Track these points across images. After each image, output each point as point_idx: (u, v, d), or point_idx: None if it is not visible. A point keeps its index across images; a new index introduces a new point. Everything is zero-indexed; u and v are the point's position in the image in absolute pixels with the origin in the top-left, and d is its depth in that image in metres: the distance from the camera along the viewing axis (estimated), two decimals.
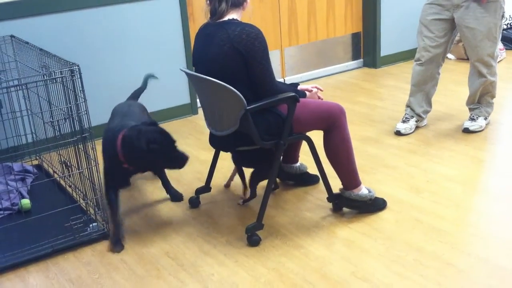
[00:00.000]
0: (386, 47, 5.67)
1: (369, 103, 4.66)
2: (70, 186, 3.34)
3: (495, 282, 2.35)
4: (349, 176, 2.88)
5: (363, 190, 2.91)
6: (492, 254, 2.54)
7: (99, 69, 4.20)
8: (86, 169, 2.91)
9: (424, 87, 3.94)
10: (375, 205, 2.95)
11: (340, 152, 2.83)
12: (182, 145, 4.01)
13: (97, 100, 4.19)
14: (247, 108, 2.60)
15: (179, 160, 2.84)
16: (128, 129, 2.76)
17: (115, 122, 3.02)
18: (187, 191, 3.34)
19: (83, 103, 2.76)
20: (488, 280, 2.37)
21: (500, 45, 4.12)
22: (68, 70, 2.73)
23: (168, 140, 2.81)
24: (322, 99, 3.01)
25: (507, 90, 4.68)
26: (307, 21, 5.30)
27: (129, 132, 2.74)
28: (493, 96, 3.93)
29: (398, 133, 3.94)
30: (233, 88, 2.57)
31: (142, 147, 2.66)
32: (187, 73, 2.88)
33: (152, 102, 4.46)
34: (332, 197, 2.97)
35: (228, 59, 2.62)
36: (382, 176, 3.35)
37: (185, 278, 2.54)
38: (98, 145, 2.86)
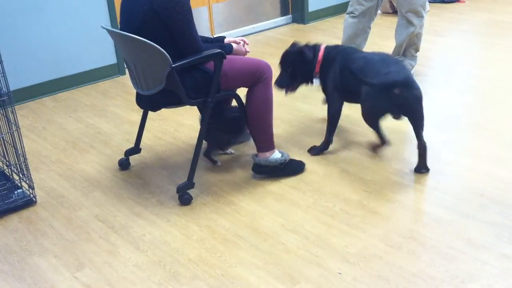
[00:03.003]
0: (314, 3, 5.68)
1: None
2: None
3: (417, 227, 2.46)
4: (265, 136, 2.86)
5: (275, 154, 2.89)
6: (414, 200, 2.66)
7: (15, 30, 4.00)
8: (7, 134, 2.81)
9: (355, 40, 3.99)
10: (288, 169, 2.92)
11: (261, 108, 2.82)
12: (110, 107, 3.95)
13: (16, 63, 4.02)
14: (173, 65, 2.56)
15: None
16: None
17: None
18: (116, 153, 3.28)
19: (0, 65, 2.64)
20: (411, 225, 2.47)
21: None
22: None
23: None
24: (248, 51, 2.99)
25: (431, 43, 4.81)
26: None
27: None
28: (417, 49, 4.03)
29: None
30: (157, 46, 2.52)
31: None
32: (108, 31, 2.78)
33: (76, 63, 4.33)
34: None
35: (148, 19, 2.56)
36: (311, 130, 3.40)
37: (116, 241, 2.52)
38: (19, 110, 2.75)
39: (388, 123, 3.39)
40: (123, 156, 3.16)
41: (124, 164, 3.14)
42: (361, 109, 2.91)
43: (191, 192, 2.78)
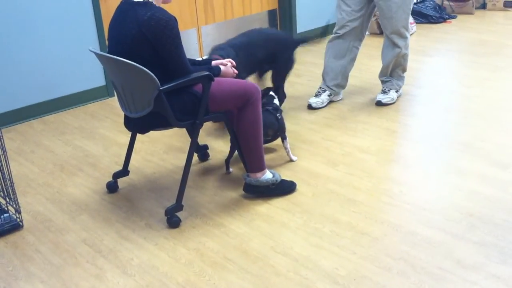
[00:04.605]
0: (302, 24, 5.74)
1: (287, 80, 4.69)
2: None
3: (407, 248, 2.45)
4: (255, 157, 2.85)
5: (266, 175, 2.89)
6: (404, 221, 2.65)
7: (3, 52, 3.99)
8: None
9: (341, 60, 4.01)
10: (280, 189, 2.91)
11: (250, 130, 2.81)
12: (98, 129, 3.94)
13: (4, 85, 4.01)
14: (161, 88, 2.56)
15: None
16: None
17: None
18: (105, 176, 3.26)
19: None
20: (401, 246, 2.47)
21: (410, 19, 4.27)
22: None
23: None
24: (236, 72, 3.01)
25: (418, 63, 4.86)
26: None
27: None
28: (404, 70, 4.07)
29: (310, 107, 4.01)
30: (145, 68, 2.52)
31: None
32: (96, 54, 2.79)
33: (65, 85, 4.32)
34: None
35: (136, 43, 2.56)
36: (299, 151, 3.40)
37: (103, 265, 2.49)
38: (6, 132, 2.73)
39: (376, 143, 3.41)
40: (111, 179, 3.13)
41: (112, 187, 3.12)
42: None
43: (179, 214, 2.76)
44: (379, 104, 3.99)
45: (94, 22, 4.34)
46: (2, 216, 2.79)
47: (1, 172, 2.78)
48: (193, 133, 2.80)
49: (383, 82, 4.10)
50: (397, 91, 4.06)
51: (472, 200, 2.78)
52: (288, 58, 3.80)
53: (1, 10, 3.92)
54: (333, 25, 4.21)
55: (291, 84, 4.59)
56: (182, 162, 3.21)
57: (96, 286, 2.35)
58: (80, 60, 4.33)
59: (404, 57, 3.96)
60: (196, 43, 5.18)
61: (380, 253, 2.42)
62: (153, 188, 3.12)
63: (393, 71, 4.04)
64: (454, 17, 6.44)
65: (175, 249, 2.56)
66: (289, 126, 3.75)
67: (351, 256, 2.42)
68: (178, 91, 2.67)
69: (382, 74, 4.08)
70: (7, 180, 2.79)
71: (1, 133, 2.72)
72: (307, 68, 4.99)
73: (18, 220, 2.80)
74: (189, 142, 2.82)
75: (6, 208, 2.85)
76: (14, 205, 2.82)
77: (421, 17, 6.25)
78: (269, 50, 3.64)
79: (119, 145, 3.66)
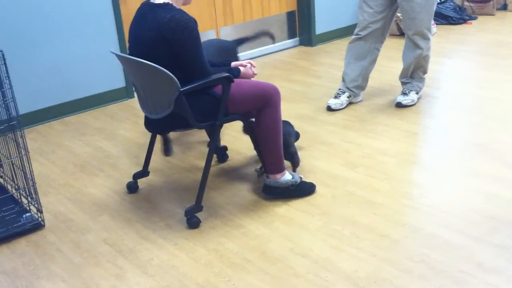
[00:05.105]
0: (321, 25, 5.72)
1: (306, 81, 4.70)
2: (0, 176, 3.23)
3: (427, 250, 2.44)
4: (274, 159, 2.85)
5: (286, 176, 2.89)
6: (424, 224, 2.63)
7: (25, 54, 4.05)
8: (16, 158, 2.82)
9: (362, 62, 4.00)
10: (299, 191, 2.91)
11: (270, 132, 2.81)
12: (118, 130, 3.97)
13: (25, 86, 4.06)
14: (181, 89, 2.57)
15: None
16: None
17: None
18: (125, 176, 3.29)
19: (9, 89, 2.66)
20: (421, 249, 2.45)
21: None
22: None
23: None
24: (256, 74, 3.01)
25: (438, 64, 4.82)
26: (241, 0, 5.27)
27: None
28: (425, 72, 4.04)
29: (329, 109, 4.00)
30: (165, 70, 2.54)
31: None
32: (117, 55, 2.81)
33: (85, 86, 4.36)
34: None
35: (156, 44, 2.58)
36: (318, 153, 3.40)
37: (123, 264, 2.51)
38: (28, 133, 2.77)
39: (395, 145, 3.39)
40: (131, 179, 3.16)
41: (132, 187, 3.14)
42: None
43: (199, 215, 2.77)
44: (399, 105, 3.97)
45: (114, 24, 4.37)
46: (24, 216, 2.83)
47: (23, 172, 2.82)
48: (213, 134, 2.81)
49: (403, 83, 4.07)
50: (417, 93, 4.03)
51: (492, 203, 2.76)
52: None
53: (24, 12, 3.97)
54: (353, 26, 4.18)
55: (309, 86, 4.59)
56: (201, 163, 3.22)
57: (116, 285, 2.37)
58: (100, 62, 4.37)
59: (426, 58, 3.93)
60: None
61: (400, 256, 2.41)
62: (172, 189, 3.14)
63: (414, 73, 4.01)
64: (474, 18, 6.37)
65: (194, 249, 2.57)
66: (307, 127, 3.76)
67: (371, 258, 2.41)
68: (198, 93, 2.68)
69: (403, 75, 4.06)
70: (29, 180, 2.82)
71: (23, 133, 2.76)
72: (326, 69, 4.98)
73: (40, 219, 2.84)
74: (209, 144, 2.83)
75: (28, 208, 2.89)
76: (36, 205, 2.86)
77: (441, 18, 6.19)
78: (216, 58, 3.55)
79: (139, 146, 3.68)
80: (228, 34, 5.27)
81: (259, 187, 3.01)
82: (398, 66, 4.15)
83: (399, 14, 4.81)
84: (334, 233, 2.61)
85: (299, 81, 4.71)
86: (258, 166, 3.20)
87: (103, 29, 4.34)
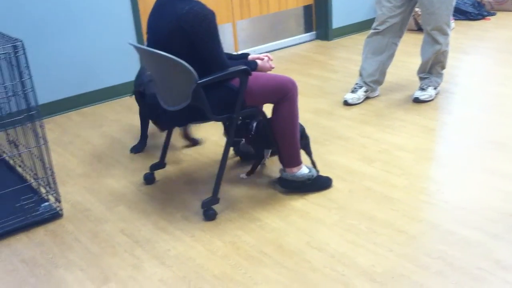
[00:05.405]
0: (338, 19, 5.70)
1: (322, 76, 4.69)
2: (19, 166, 3.26)
3: (445, 247, 2.42)
4: (291, 152, 2.85)
5: (302, 170, 2.89)
6: (442, 220, 2.62)
7: (44, 44, 4.08)
8: (35, 148, 2.84)
9: (379, 56, 3.98)
10: (316, 185, 2.91)
11: (287, 125, 2.81)
12: (135, 122, 3.98)
13: (45, 77, 4.09)
14: (198, 82, 2.57)
15: None
16: None
17: None
18: (141, 168, 3.30)
19: (29, 79, 2.68)
20: (439, 245, 2.44)
21: None
22: (11, 46, 2.63)
23: None
24: (273, 67, 3.00)
25: (456, 60, 4.78)
26: None
27: None
28: (443, 67, 4.01)
29: (346, 103, 3.98)
30: (183, 62, 2.54)
31: None
32: (135, 47, 2.82)
33: (102, 78, 4.38)
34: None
35: (174, 36, 2.58)
36: (335, 148, 3.39)
37: (141, 255, 2.52)
38: (48, 123, 2.79)
39: (413, 141, 3.38)
40: (148, 171, 3.17)
41: (149, 179, 3.15)
42: None
43: (215, 207, 2.78)
44: (417, 101, 3.95)
45: (132, 16, 4.38)
46: (42, 205, 2.85)
47: (42, 162, 2.84)
48: (230, 127, 2.81)
49: (421, 78, 4.05)
50: (435, 88, 4.01)
51: (510, 201, 2.73)
52: None
53: (44, 2, 3.99)
54: (371, 20, 4.16)
55: (326, 80, 4.57)
56: (218, 155, 3.23)
57: (134, 275, 2.38)
58: (118, 54, 4.38)
59: (444, 54, 3.90)
60: (231, 37, 5.20)
61: (417, 252, 2.40)
62: (189, 181, 3.15)
63: (432, 68, 3.98)
64: (493, 14, 6.31)
65: (211, 241, 2.58)
66: (324, 122, 3.75)
67: (388, 253, 2.40)
68: (215, 85, 2.68)
69: (421, 70, 4.03)
70: (48, 170, 2.85)
71: (43, 124, 2.78)
72: (343, 64, 4.96)
73: (58, 209, 2.86)
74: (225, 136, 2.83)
75: (46, 197, 2.91)
76: (54, 194, 2.88)
77: (459, 13, 6.14)
78: None
79: (156, 137, 3.70)
80: (244, 27, 5.27)
81: (275, 180, 3.01)
82: (416, 61, 4.12)
83: (417, 9, 4.78)
84: (351, 228, 2.60)
85: (316, 75, 4.69)
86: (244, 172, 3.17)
87: (121, 21, 4.36)
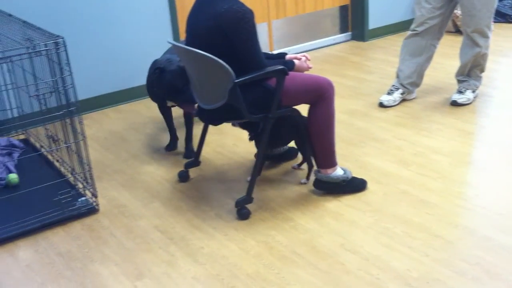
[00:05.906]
0: (374, 20, 5.64)
1: (357, 77, 4.65)
2: (57, 161, 3.32)
3: (482, 253, 2.38)
4: (327, 153, 2.84)
5: (337, 171, 2.87)
6: (478, 225, 2.57)
7: (84, 41, 4.14)
8: (73, 143, 2.89)
9: (417, 58, 3.93)
10: (350, 187, 2.89)
11: (322, 126, 2.80)
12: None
13: (83, 73, 4.15)
14: (235, 81, 2.58)
15: None
16: None
17: None
18: (176, 165, 3.33)
19: (69, 76, 2.72)
20: (476, 251, 2.39)
21: None
22: (53, 42, 2.68)
23: None
24: (311, 67, 2.99)
25: (496, 63, 4.69)
26: None
27: None
28: (482, 70, 3.93)
29: (381, 105, 3.95)
30: (220, 61, 2.55)
31: None
32: (174, 45, 2.84)
33: (139, 76, 4.43)
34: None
35: (212, 34, 2.59)
36: (370, 149, 3.36)
37: (175, 252, 2.54)
38: (85, 119, 2.83)
39: (450, 145, 3.32)
40: (182, 169, 3.20)
41: (183, 176, 3.18)
42: None
43: (249, 207, 2.79)
44: (454, 104, 3.88)
45: (169, 14, 4.42)
46: (79, 200, 2.90)
47: (79, 157, 2.89)
48: (265, 127, 2.81)
49: (459, 81, 3.98)
50: (473, 92, 3.94)
51: None
52: None
53: (83, 4, 4.06)
54: (407, 21, 4.10)
55: (361, 81, 4.54)
56: (252, 155, 3.24)
57: (168, 272, 2.41)
58: (154, 52, 4.42)
59: (484, 57, 3.83)
60: (266, 37, 5.20)
61: (454, 257, 2.36)
62: (222, 180, 3.16)
63: (471, 71, 3.91)
64: None
65: (244, 240, 2.59)
66: (359, 123, 3.72)
67: (423, 258, 2.37)
68: (252, 85, 2.69)
69: (459, 73, 3.96)
70: (85, 165, 2.89)
71: (82, 120, 2.82)
72: (379, 65, 4.91)
73: (94, 204, 2.91)
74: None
75: (83, 192, 2.96)
76: (91, 190, 2.93)
77: (499, 16, 6.01)
78: None
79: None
80: (279, 27, 5.26)
81: (310, 181, 3.00)
82: (454, 64, 4.06)
83: (455, 11, 4.70)
84: (386, 231, 2.58)
85: (351, 76, 4.66)
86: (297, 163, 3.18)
87: (158, 19, 4.40)
